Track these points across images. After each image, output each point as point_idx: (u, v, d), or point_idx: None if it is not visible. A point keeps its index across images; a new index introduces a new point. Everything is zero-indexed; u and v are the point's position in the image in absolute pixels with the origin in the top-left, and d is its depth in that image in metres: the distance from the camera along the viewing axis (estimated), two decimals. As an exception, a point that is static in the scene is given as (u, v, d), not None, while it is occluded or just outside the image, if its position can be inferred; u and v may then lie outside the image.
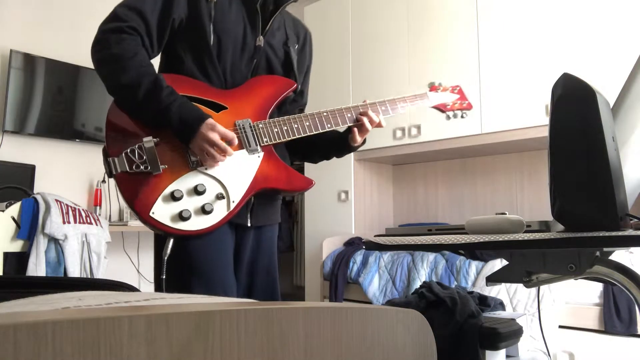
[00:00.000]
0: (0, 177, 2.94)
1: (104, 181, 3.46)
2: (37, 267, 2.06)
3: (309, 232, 3.60)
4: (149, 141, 1.16)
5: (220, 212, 1.19)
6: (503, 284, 2.30)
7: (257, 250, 1.34)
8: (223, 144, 1.16)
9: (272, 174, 1.26)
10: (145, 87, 1.15)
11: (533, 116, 2.62)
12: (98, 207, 3.40)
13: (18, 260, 2.09)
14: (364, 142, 1.38)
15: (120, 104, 1.20)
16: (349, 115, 1.32)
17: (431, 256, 2.69)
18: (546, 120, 1.62)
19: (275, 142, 1.27)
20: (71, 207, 2.28)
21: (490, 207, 3.22)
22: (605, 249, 0.77)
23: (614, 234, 0.69)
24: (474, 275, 2.46)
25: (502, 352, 1.30)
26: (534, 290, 2.15)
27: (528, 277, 0.83)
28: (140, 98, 1.15)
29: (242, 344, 0.38)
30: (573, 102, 0.79)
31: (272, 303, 0.43)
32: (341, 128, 1.36)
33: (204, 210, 1.17)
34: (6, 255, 2.07)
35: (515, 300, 2.27)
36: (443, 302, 1.35)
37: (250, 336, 0.39)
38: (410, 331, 0.57)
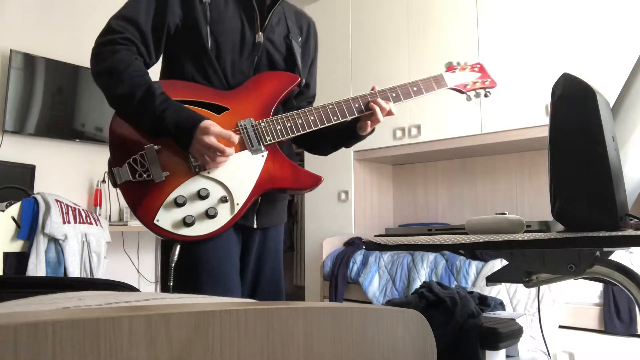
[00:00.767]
0: (0, 177, 2.94)
1: (104, 181, 3.46)
2: (37, 267, 2.06)
3: (309, 232, 3.60)
4: (150, 149, 1.16)
5: (224, 215, 1.18)
6: (503, 284, 2.30)
7: (263, 251, 1.33)
8: (220, 145, 1.14)
9: (277, 174, 1.23)
10: (138, 97, 1.14)
11: (533, 116, 2.62)
12: (98, 207, 3.40)
13: (18, 260, 2.09)
14: (372, 130, 1.33)
15: (120, 115, 1.19)
16: (356, 105, 1.28)
17: (431, 256, 2.69)
18: (546, 120, 1.61)
19: (279, 140, 1.23)
20: (71, 207, 2.28)
21: (490, 207, 3.22)
22: (605, 249, 0.76)
23: (614, 234, 0.69)
24: (474, 275, 2.46)
25: (502, 352, 1.29)
26: (534, 290, 2.15)
27: (528, 277, 0.83)
28: (136, 108, 1.15)
29: (242, 344, 0.38)
30: (573, 102, 0.79)
31: (272, 303, 0.43)
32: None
33: (207, 215, 1.16)
34: (6, 255, 2.07)
35: (515, 300, 2.27)
36: (443, 302, 1.35)
37: (250, 336, 0.39)
38: (410, 331, 0.57)
